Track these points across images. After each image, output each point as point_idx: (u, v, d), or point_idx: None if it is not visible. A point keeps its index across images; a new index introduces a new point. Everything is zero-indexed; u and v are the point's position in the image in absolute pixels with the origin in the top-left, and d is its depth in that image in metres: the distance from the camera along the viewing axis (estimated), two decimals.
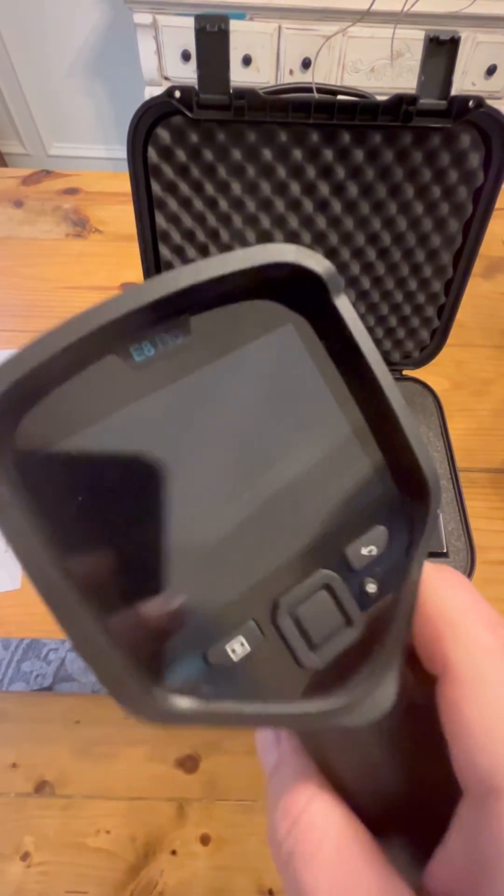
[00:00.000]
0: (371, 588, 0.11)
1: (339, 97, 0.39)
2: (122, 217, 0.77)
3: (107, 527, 0.10)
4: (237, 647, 0.11)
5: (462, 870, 0.11)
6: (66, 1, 1.51)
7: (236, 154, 0.41)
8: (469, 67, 1.34)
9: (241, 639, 0.11)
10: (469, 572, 0.45)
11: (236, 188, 0.43)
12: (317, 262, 0.11)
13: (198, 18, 0.34)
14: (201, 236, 0.46)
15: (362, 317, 0.51)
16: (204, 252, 0.47)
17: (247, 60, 1.33)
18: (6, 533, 0.09)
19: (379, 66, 1.33)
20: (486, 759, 0.10)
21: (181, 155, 0.41)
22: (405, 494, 0.12)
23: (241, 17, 1.26)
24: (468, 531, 0.46)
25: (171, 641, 0.11)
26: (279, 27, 1.27)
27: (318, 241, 0.46)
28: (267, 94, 0.38)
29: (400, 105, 0.37)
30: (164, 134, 0.40)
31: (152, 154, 0.41)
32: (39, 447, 0.10)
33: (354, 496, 0.12)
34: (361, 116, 0.38)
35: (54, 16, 1.54)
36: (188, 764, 0.43)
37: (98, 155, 1.91)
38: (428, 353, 0.54)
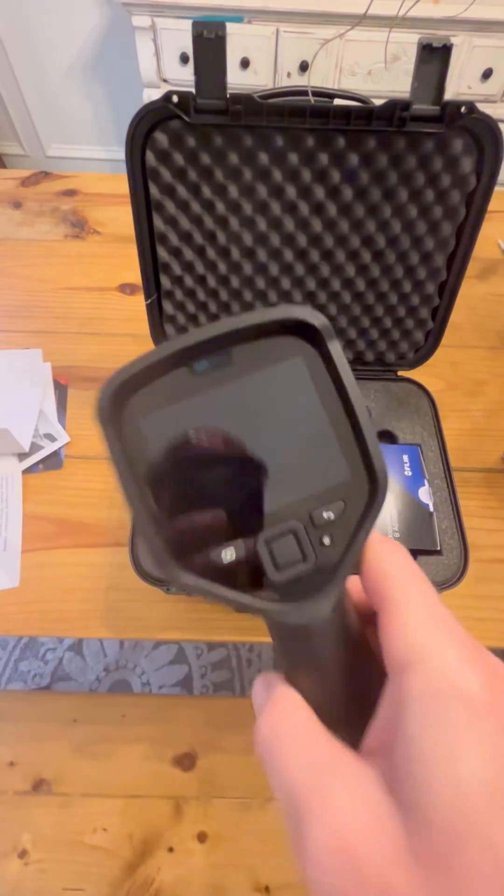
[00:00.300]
0: (326, 541, 0.17)
1: (335, 102, 0.39)
2: (121, 218, 0.77)
3: (167, 467, 0.17)
4: (228, 554, 0.17)
5: (385, 730, 0.15)
6: (66, 3, 1.51)
7: (233, 157, 0.41)
8: (465, 71, 1.35)
9: (232, 549, 0.17)
10: (462, 570, 0.45)
11: (233, 191, 0.43)
12: (316, 318, 0.17)
13: (195, 25, 0.34)
14: (198, 238, 0.46)
15: (358, 318, 0.52)
16: (201, 254, 0.47)
17: (245, 63, 1.34)
18: (114, 465, 0.15)
19: (376, 69, 1.34)
20: (402, 644, 0.15)
21: (179, 158, 0.41)
22: (367, 483, 0.17)
23: (238, 20, 1.27)
24: (462, 530, 0.47)
25: (191, 541, 0.17)
26: (277, 30, 1.28)
27: (314, 244, 0.46)
28: (263, 97, 0.38)
29: (394, 110, 0.38)
30: (161, 138, 0.40)
31: (150, 157, 0.41)
32: (137, 418, 0.16)
33: (328, 478, 0.17)
34: (356, 121, 0.39)
35: (53, 18, 1.55)
36: (185, 762, 0.43)
37: (96, 156, 1.91)
38: (422, 354, 0.55)
